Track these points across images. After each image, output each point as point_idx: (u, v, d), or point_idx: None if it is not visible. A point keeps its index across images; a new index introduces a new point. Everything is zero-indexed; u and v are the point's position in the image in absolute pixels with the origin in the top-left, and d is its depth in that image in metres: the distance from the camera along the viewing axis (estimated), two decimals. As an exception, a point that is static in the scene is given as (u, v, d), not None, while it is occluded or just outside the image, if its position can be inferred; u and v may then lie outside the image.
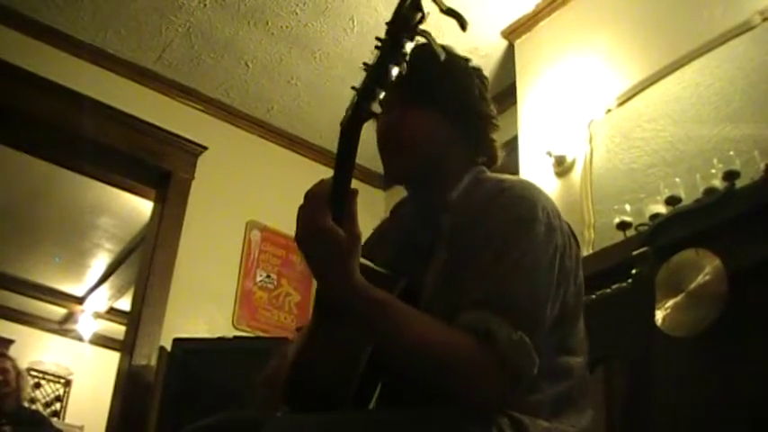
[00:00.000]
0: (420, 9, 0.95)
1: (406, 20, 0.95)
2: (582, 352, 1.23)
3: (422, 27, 0.97)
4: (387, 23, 0.97)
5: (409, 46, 0.97)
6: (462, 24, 0.98)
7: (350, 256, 1.04)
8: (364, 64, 0.98)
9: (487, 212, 1.19)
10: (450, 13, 0.97)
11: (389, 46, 0.96)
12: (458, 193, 1.27)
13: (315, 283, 1.13)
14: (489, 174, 1.33)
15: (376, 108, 0.99)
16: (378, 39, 0.97)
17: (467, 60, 1.36)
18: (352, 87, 1.00)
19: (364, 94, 0.99)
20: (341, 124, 1.02)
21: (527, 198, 1.20)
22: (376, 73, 0.98)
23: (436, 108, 1.27)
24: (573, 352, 1.21)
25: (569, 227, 1.25)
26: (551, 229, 1.18)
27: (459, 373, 1.06)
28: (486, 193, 1.24)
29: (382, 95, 1.00)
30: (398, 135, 1.26)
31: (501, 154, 1.37)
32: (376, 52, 0.98)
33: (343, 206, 1.05)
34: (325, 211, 1.03)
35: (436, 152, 1.29)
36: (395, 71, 0.97)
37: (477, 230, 1.18)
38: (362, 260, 1.13)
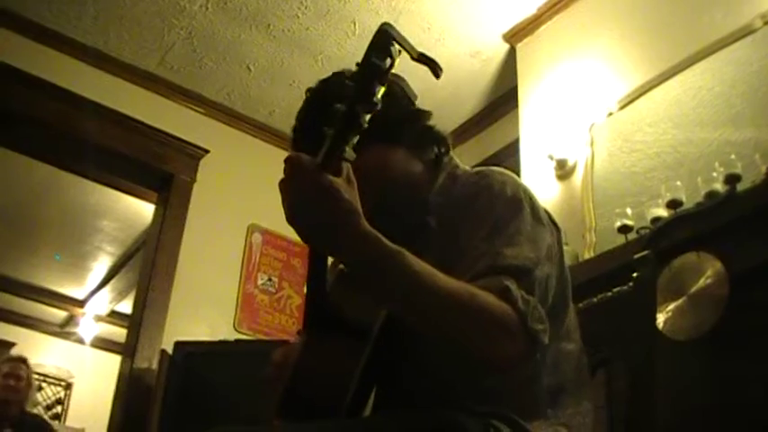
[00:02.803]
0: (390, 55, 0.92)
1: (375, 67, 0.92)
2: (575, 340, 1.23)
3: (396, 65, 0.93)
4: (357, 65, 0.94)
5: (381, 92, 0.94)
6: (435, 72, 0.96)
7: (357, 207, 0.97)
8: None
9: (473, 198, 1.19)
10: (423, 59, 0.95)
11: (361, 93, 0.93)
12: (437, 193, 1.27)
13: (305, 295, 1.11)
14: (462, 167, 1.33)
15: (350, 154, 0.95)
16: (347, 79, 0.95)
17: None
18: (324, 128, 0.96)
19: (337, 141, 0.95)
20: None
21: (508, 182, 1.21)
22: (347, 119, 0.94)
23: (379, 139, 1.20)
24: (565, 338, 1.20)
25: (547, 212, 1.26)
26: (535, 209, 1.19)
27: (485, 327, 1.01)
28: (466, 183, 1.25)
29: (355, 140, 0.96)
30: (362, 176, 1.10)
31: (445, 133, 1.34)
32: (348, 95, 0.94)
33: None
34: (317, 171, 0.95)
35: (401, 180, 1.27)
36: (368, 117, 0.94)
37: (467, 215, 1.18)
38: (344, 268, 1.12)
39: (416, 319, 1.03)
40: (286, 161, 0.98)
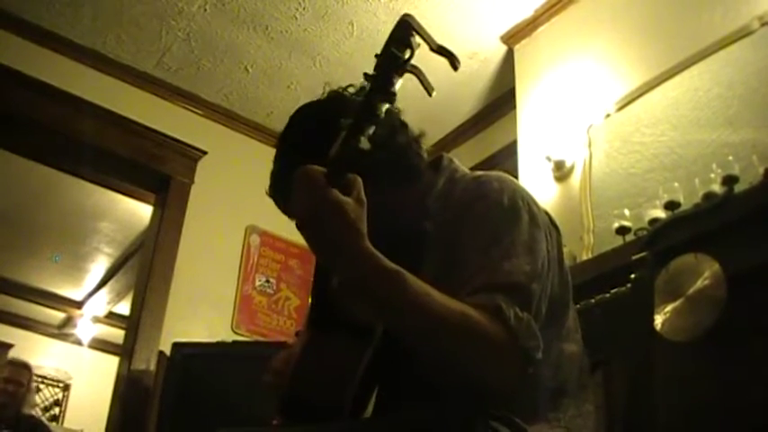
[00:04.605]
0: (410, 46, 0.92)
1: (395, 57, 0.92)
2: (576, 341, 1.23)
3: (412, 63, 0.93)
4: (376, 56, 0.94)
5: (399, 83, 0.94)
6: (454, 64, 0.95)
7: (361, 227, 0.98)
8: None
9: (470, 206, 1.19)
10: (442, 51, 0.94)
11: (379, 83, 0.93)
12: (435, 198, 1.26)
13: (309, 295, 1.10)
14: (462, 170, 1.32)
15: (365, 144, 0.96)
16: (366, 75, 0.95)
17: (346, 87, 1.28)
18: (341, 120, 0.97)
19: (353, 131, 0.96)
20: (328, 158, 0.99)
21: (506, 189, 1.20)
22: (365, 110, 0.95)
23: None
24: (565, 340, 1.20)
25: (548, 214, 1.25)
26: (533, 215, 1.18)
27: (477, 348, 1.01)
28: (464, 189, 1.24)
29: (371, 131, 0.96)
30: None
31: (418, 129, 1.30)
32: (366, 87, 0.94)
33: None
34: (327, 185, 0.97)
35: (391, 210, 1.22)
36: (384, 108, 0.95)
37: (464, 224, 1.17)
38: None
39: (410, 338, 1.04)
40: (295, 175, 0.99)
